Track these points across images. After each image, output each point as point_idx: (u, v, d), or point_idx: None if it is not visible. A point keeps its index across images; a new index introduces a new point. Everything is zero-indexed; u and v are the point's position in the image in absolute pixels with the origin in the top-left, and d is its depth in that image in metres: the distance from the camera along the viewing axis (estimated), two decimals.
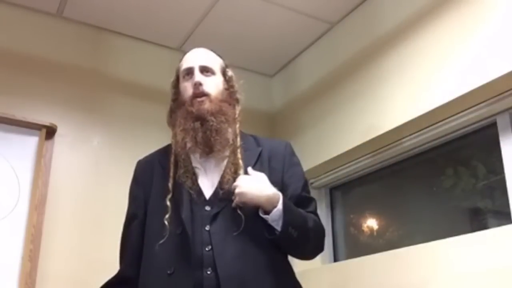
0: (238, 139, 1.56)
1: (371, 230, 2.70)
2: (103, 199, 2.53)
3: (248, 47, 2.95)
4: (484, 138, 2.15)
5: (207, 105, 1.52)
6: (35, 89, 2.55)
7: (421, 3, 2.27)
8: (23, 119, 2.42)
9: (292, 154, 1.63)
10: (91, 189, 2.54)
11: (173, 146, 1.57)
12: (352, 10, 2.66)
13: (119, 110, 2.73)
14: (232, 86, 1.62)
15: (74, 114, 2.61)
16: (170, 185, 1.50)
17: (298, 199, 1.54)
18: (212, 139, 1.50)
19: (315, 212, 1.58)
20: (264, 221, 1.44)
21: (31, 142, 2.45)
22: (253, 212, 1.45)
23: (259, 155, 1.57)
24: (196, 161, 1.55)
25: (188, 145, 1.52)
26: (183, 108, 1.55)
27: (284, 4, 2.63)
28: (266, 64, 3.15)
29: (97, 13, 2.70)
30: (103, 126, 2.68)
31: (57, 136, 2.52)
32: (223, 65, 1.65)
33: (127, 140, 2.69)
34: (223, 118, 1.52)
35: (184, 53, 1.67)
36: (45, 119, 2.48)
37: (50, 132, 2.49)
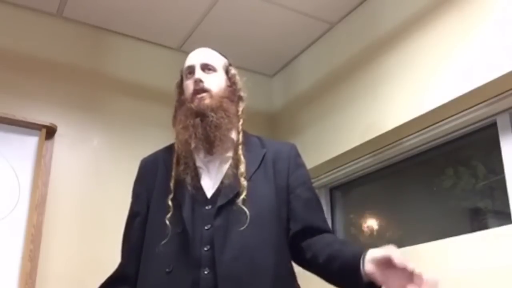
0: (240, 135, 1.55)
1: (371, 230, 2.70)
2: (103, 199, 2.53)
3: (248, 47, 2.95)
4: (484, 138, 2.15)
5: (207, 101, 1.51)
6: (35, 89, 2.55)
7: (421, 3, 2.27)
8: (23, 119, 2.42)
9: (297, 156, 1.61)
10: (91, 189, 2.54)
11: (176, 145, 1.55)
12: (352, 11, 2.66)
13: (119, 110, 2.73)
14: (235, 84, 1.60)
15: (74, 114, 2.61)
16: (171, 184, 1.49)
17: (306, 202, 1.52)
18: (211, 134, 1.49)
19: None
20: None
21: (31, 142, 2.45)
22: (258, 211, 1.43)
23: (263, 157, 1.54)
24: (200, 161, 1.54)
25: (193, 144, 1.51)
26: (184, 105, 1.54)
27: (284, 4, 2.63)
28: (266, 64, 3.15)
29: (97, 13, 2.70)
30: (103, 126, 2.68)
31: (57, 136, 2.52)
32: (226, 63, 1.63)
33: (127, 140, 2.69)
34: (223, 114, 1.51)
35: (186, 53, 1.66)
36: (45, 119, 2.48)
37: (50, 132, 2.49)
